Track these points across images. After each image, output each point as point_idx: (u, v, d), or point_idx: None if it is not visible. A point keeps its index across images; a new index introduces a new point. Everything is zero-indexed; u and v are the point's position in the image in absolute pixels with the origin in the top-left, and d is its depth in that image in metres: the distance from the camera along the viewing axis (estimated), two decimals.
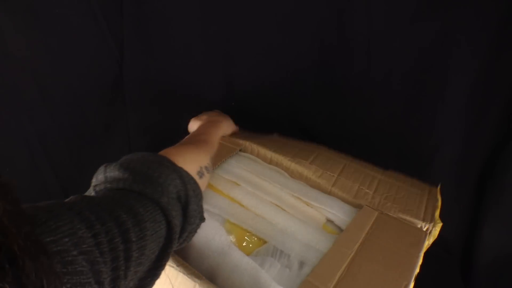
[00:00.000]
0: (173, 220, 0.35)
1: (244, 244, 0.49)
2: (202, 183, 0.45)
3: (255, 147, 0.66)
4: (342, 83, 0.70)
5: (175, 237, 0.35)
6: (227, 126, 0.67)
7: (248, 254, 0.46)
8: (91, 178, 0.79)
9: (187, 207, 0.38)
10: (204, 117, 0.67)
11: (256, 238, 0.50)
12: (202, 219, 0.42)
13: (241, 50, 0.75)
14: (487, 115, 0.56)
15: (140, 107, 0.79)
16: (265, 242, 0.49)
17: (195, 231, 0.42)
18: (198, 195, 0.41)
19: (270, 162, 0.65)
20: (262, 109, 0.80)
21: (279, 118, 0.79)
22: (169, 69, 0.76)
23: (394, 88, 0.64)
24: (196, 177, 0.43)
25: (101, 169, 0.39)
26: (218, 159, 0.62)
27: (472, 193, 0.62)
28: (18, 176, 0.77)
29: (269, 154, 0.65)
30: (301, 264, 0.46)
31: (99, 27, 0.66)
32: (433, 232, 0.51)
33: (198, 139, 0.57)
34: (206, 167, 0.49)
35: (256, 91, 0.80)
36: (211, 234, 0.47)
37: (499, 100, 0.54)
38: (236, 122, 0.73)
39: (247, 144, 0.67)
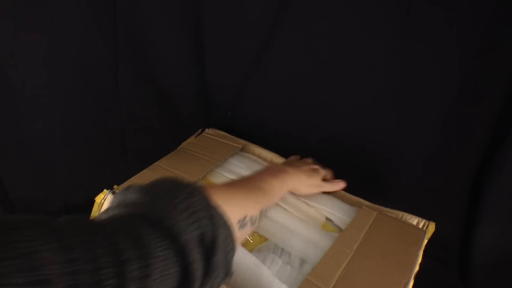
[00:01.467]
0: (193, 264, 0.27)
1: (245, 241, 0.50)
2: (241, 234, 0.39)
3: (256, 147, 0.67)
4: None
5: (194, 285, 0.27)
6: (297, 184, 0.55)
7: (250, 251, 0.46)
8: (86, 182, 0.79)
9: (212, 256, 0.29)
10: (285, 165, 0.57)
11: (257, 235, 0.51)
12: (229, 274, 0.33)
13: (236, 55, 0.76)
14: (482, 114, 0.57)
15: (136, 113, 0.79)
16: (266, 239, 0.50)
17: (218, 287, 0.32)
18: (230, 244, 0.32)
19: (271, 162, 0.66)
20: (257, 119, 0.81)
21: (274, 130, 0.80)
22: (164, 76, 0.77)
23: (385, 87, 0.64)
24: (236, 225, 0.36)
25: (122, 191, 0.33)
26: (220, 158, 0.62)
27: (468, 191, 0.63)
28: (19, 178, 0.78)
29: (269, 155, 0.66)
30: (302, 261, 0.47)
31: (93, 34, 0.67)
32: (429, 228, 0.52)
33: (255, 185, 0.46)
34: (251, 218, 0.41)
35: (251, 101, 0.80)
36: None
37: (495, 97, 0.55)
38: (231, 130, 0.72)
39: (248, 144, 0.68)
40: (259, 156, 0.67)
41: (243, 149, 0.67)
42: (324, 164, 0.62)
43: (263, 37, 0.66)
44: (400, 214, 0.55)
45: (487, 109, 0.56)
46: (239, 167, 0.62)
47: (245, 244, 0.49)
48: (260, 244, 0.49)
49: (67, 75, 0.69)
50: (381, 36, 0.58)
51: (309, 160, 0.62)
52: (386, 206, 0.56)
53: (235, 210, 0.38)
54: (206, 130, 0.73)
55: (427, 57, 0.57)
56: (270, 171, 0.52)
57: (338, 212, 0.55)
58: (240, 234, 0.37)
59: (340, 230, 0.53)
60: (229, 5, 0.66)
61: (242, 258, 0.45)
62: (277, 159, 0.65)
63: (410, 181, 0.67)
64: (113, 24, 0.67)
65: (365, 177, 0.69)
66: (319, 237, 0.50)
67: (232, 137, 0.70)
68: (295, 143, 0.73)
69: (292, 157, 0.63)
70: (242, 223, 0.38)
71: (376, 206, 0.56)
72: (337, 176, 0.61)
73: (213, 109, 0.84)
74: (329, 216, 0.54)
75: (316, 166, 0.60)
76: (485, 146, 0.59)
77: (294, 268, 0.46)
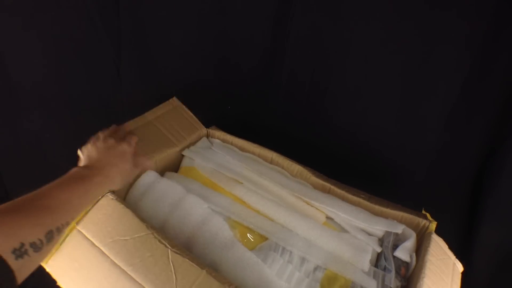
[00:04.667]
0: None
1: (246, 239, 0.50)
2: (24, 264, 0.33)
3: (256, 147, 0.67)
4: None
5: None
6: (110, 183, 0.47)
7: (251, 249, 0.47)
8: None
9: None
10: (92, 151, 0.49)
11: (258, 234, 0.50)
12: None
13: (238, 50, 0.76)
14: (483, 114, 0.57)
15: (139, 109, 0.79)
16: (267, 238, 0.50)
17: None
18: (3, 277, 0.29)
19: (271, 162, 0.66)
20: (251, 112, 0.81)
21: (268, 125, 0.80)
22: (167, 71, 0.77)
23: (387, 89, 0.65)
24: (9, 256, 0.32)
25: None
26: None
27: (469, 191, 0.63)
28: (20, 177, 0.77)
29: (269, 154, 0.66)
30: (303, 260, 0.47)
31: (96, 29, 0.67)
32: (430, 227, 0.52)
33: (36, 205, 0.39)
34: (33, 244, 0.35)
35: (247, 93, 0.81)
36: (214, 230, 0.47)
37: (496, 98, 0.55)
38: (229, 126, 0.72)
39: (247, 143, 0.68)
40: (259, 156, 0.67)
41: (242, 149, 0.67)
42: (327, 162, 0.62)
43: (266, 31, 0.67)
44: (401, 214, 0.55)
45: (488, 109, 0.57)
46: (241, 167, 0.62)
47: (246, 243, 0.49)
48: (261, 243, 0.49)
49: (69, 70, 0.69)
50: (381, 34, 0.58)
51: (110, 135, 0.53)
52: (387, 206, 0.56)
53: (3, 240, 0.33)
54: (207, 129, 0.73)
55: (429, 58, 0.57)
56: (66, 182, 0.44)
57: (339, 211, 0.54)
58: (21, 264, 0.33)
59: (341, 228, 0.53)
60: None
61: (242, 256, 0.45)
62: (277, 158, 0.65)
63: (412, 181, 0.67)
64: (116, 17, 0.67)
65: (366, 177, 0.69)
66: (319, 234, 0.50)
67: (231, 136, 0.70)
68: (296, 141, 0.74)
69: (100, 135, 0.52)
70: (18, 252, 0.33)
71: (377, 206, 0.56)
72: (339, 175, 0.61)
73: (215, 104, 0.84)
74: (330, 214, 0.54)
75: (113, 141, 0.51)
76: (486, 146, 0.59)
77: (295, 267, 0.46)
